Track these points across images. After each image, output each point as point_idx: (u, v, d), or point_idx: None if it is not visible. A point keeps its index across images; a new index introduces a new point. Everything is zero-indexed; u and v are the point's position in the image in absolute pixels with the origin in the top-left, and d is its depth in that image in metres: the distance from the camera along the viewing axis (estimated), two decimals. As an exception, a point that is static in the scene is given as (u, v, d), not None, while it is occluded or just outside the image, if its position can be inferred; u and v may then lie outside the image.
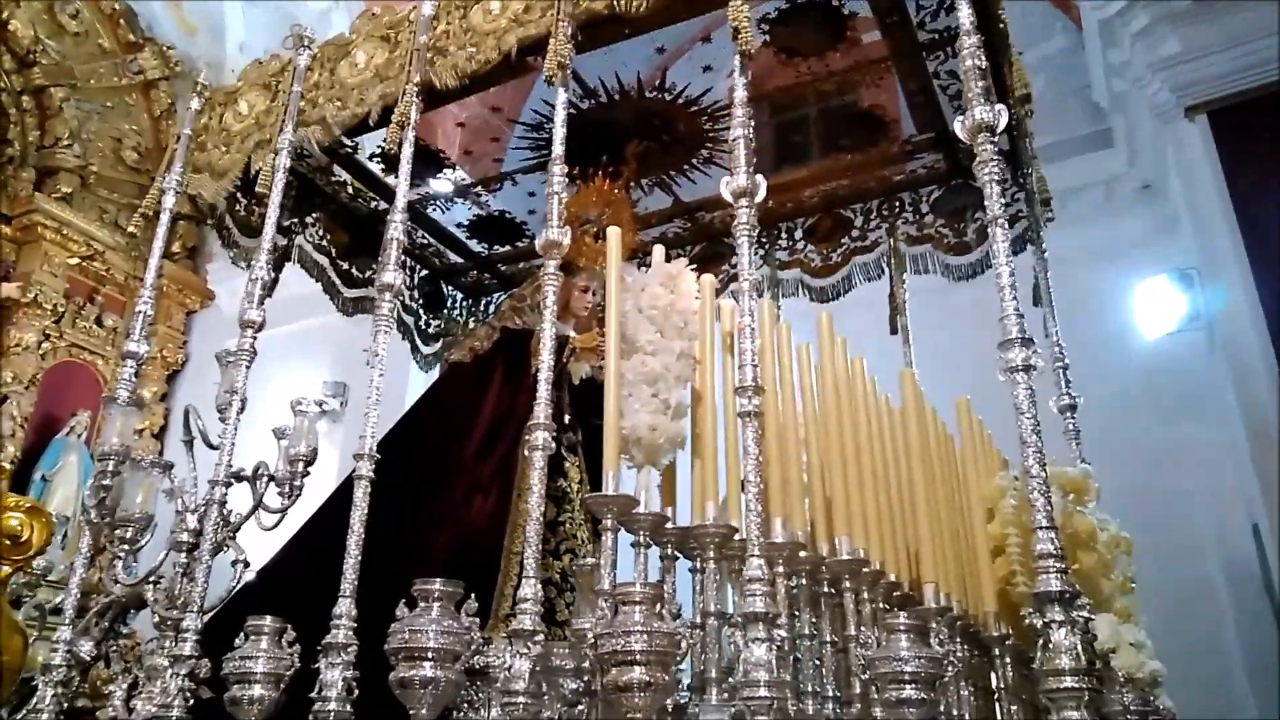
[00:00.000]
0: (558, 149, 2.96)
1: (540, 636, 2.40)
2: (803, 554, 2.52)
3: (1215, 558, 5.35)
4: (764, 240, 4.89)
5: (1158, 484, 5.45)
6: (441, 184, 4.59)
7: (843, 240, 4.75)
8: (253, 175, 3.70)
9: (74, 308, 8.22)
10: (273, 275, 4.16)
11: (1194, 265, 5.71)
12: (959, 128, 2.51)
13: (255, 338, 3.25)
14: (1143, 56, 5.66)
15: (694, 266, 2.97)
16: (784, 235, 4.89)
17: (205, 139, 3.98)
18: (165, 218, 3.68)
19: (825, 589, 2.60)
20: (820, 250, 4.81)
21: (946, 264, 4.60)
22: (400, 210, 3.15)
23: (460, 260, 5.21)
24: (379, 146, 3.49)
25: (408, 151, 3.26)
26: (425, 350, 5.15)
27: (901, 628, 2.17)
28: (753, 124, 2.81)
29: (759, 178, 2.67)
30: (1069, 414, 3.80)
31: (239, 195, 4.12)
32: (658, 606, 2.26)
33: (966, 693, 2.70)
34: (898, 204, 4.64)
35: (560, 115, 3.02)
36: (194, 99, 3.89)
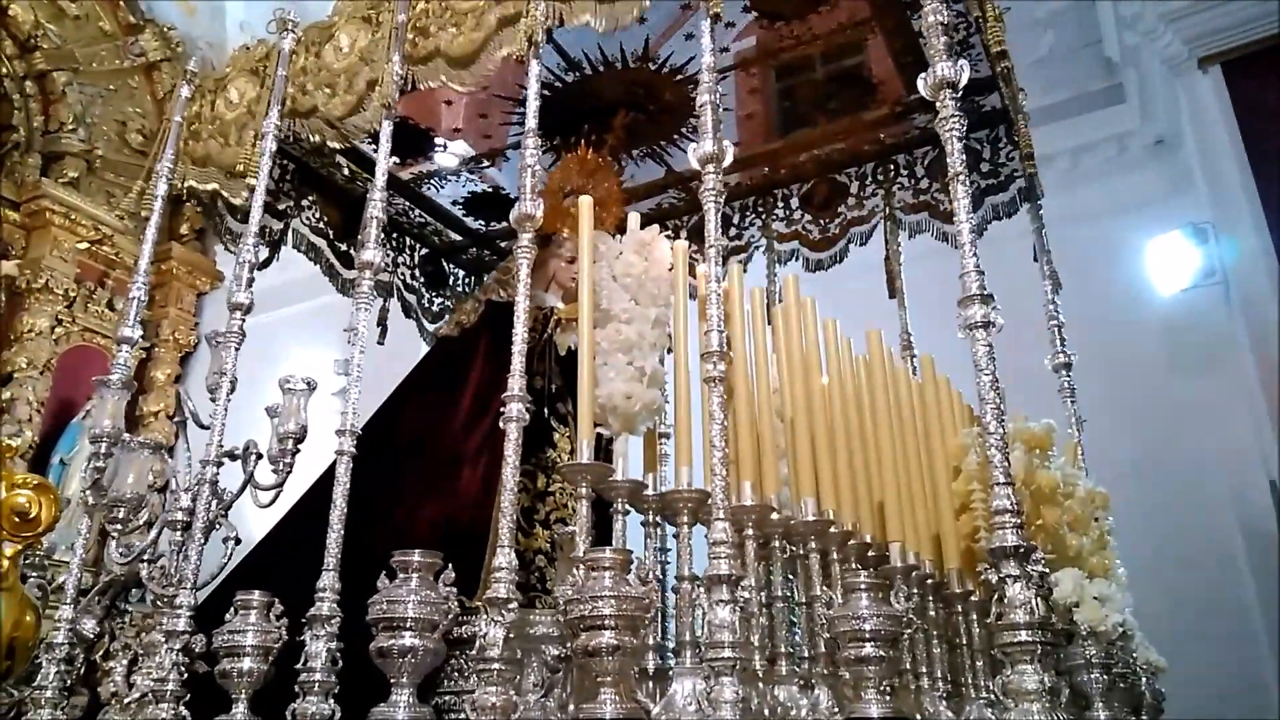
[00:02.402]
0: (531, 122, 2.97)
1: (514, 604, 2.42)
2: (774, 516, 2.55)
3: (1232, 514, 5.31)
4: (761, 209, 4.89)
5: (1174, 441, 5.44)
6: (431, 161, 4.61)
7: (839, 209, 4.72)
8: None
9: (85, 292, 8.27)
10: (268, 257, 4.28)
11: (1208, 220, 5.64)
12: (922, 85, 2.50)
13: (244, 320, 3.29)
14: (1154, 8, 5.56)
15: (668, 235, 2.99)
16: (780, 204, 4.88)
17: (199, 127, 4.01)
18: (158, 204, 3.74)
19: (801, 550, 2.63)
20: (818, 220, 4.78)
21: (944, 233, 4.55)
22: (380, 189, 3.17)
23: (460, 238, 5.24)
24: (354, 130, 3.52)
25: (387, 130, 3.28)
26: (431, 328, 5.19)
27: (862, 586, 2.19)
28: (720, 91, 2.81)
29: (726, 143, 2.67)
30: (1064, 372, 3.79)
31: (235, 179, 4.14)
32: (628, 571, 2.30)
33: (938, 650, 2.73)
34: (892, 167, 4.61)
35: (533, 88, 3.03)
36: (184, 86, 3.92)
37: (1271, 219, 5.12)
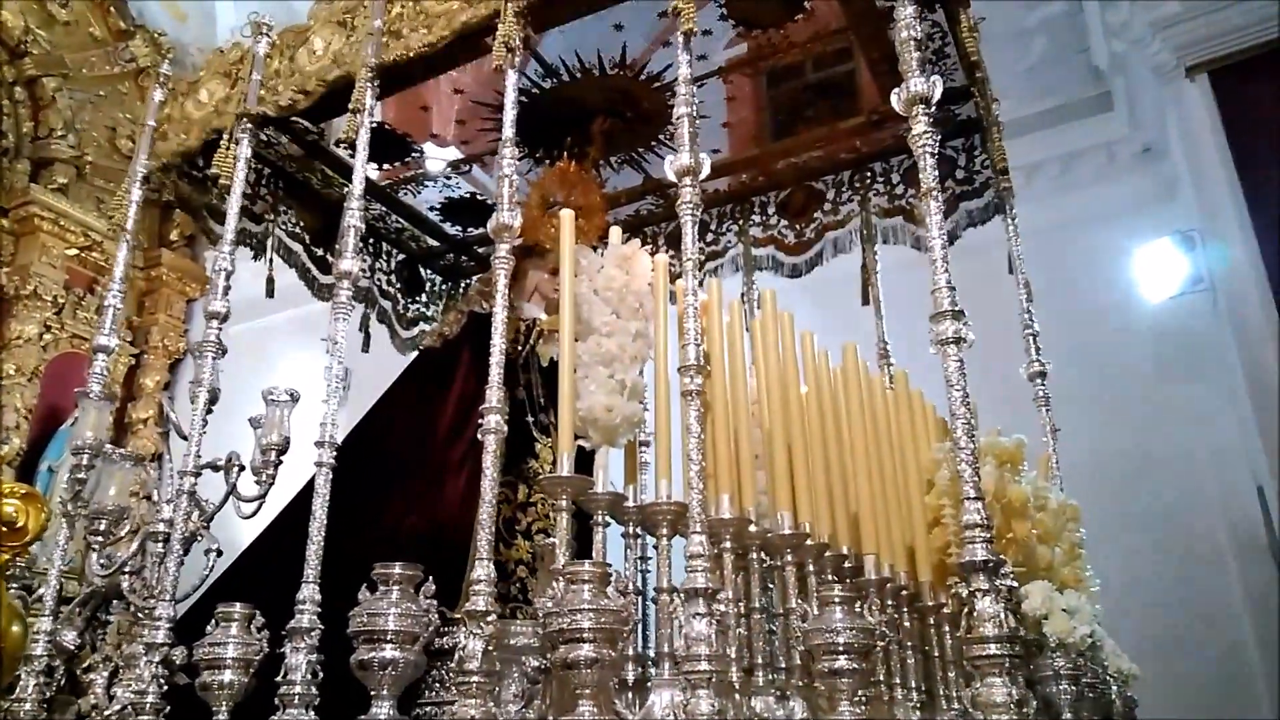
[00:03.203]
0: (508, 131, 2.99)
1: (493, 617, 2.44)
2: (752, 528, 2.57)
3: (1221, 520, 5.35)
4: (738, 216, 4.91)
5: (1163, 447, 5.48)
6: (408, 167, 4.62)
7: (815, 215, 4.73)
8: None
9: (74, 299, 8.24)
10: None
11: (1196, 227, 5.68)
12: (895, 100, 2.53)
13: (221, 328, 3.30)
14: (1142, 16, 5.58)
15: (647, 245, 3.01)
16: (757, 211, 4.88)
17: (168, 129, 4.00)
18: (133, 210, 3.75)
19: (778, 562, 2.66)
20: (794, 226, 4.78)
21: (918, 238, 4.54)
22: (357, 197, 3.18)
23: (436, 243, 5.24)
24: (343, 133, 3.50)
25: (364, 137, 3.29)
26: (404, 334, 5.19)
27: (836, 599, 2.21)
28: (699, 100, 2.84)
29: (703, 156, 2.69)
30: (1039, 381, 3.82)
31: (212, 185, 4.14)
32: (607, 584, 2.32)
33: (913, 661, 2.75)
34: (869, 175, 4.62)
35: (510, 97, 3.05)
36: (156, 89, 3.93)
37: (1258, 226, 5.14)
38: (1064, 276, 5.82)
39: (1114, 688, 2.99)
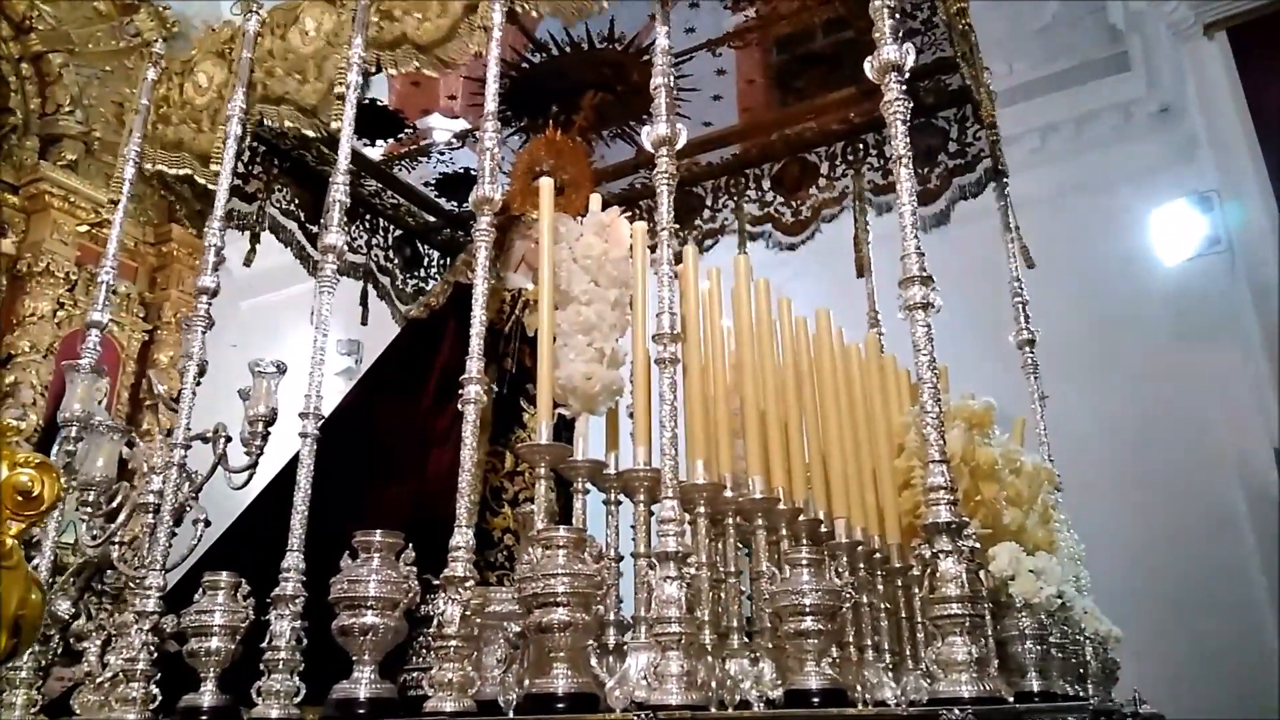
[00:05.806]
0: (490, 105, 3.00)
1: (471, 583, 2.47)
2: (727, 493, 2.59)
3: (1236, 482, 5.38)
4: (733, 190, 4.90)
5: (1179, 409, 5.50)
6: (405, 142, 4.63)
7: (810, 190, 4.71)
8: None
9: (86, 275, 8.29)
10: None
11: (1214, 188, 5.65)
12: (869, 68, 2.53)
13: (210, 303, 3.32)
14: (1160, -27, 5.55)
15: (628, 215, 3.02)
16: (752, 184, 4.87)
17: (168, 111, 3.98)
18: (126, 188, 3.77)
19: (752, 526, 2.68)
20: (790, 203, 4.77)
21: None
22: (343, 172, 3.19)
23: (433, 219, 5.25)
24: (330, 118, 3.48)
25: (349, 114, 3.29)
26: (404, 309, 5.19)
27: (803, 561, 2.23)
28: (674, 73, 2.85)
29: (680, 126, 2.70)
30: (1027, 349, 3.81)
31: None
32: (582, 549, 2.35)
33: (885, 623, 2.78)
34: (861, 146, 4.59)
35: (492, 71, 3.05)
36: (149, 68, 3.94)
37: (1277, 187, 5.10)
38: (1079, 238, 5.79)
39: (1089, 649, 3.00)
